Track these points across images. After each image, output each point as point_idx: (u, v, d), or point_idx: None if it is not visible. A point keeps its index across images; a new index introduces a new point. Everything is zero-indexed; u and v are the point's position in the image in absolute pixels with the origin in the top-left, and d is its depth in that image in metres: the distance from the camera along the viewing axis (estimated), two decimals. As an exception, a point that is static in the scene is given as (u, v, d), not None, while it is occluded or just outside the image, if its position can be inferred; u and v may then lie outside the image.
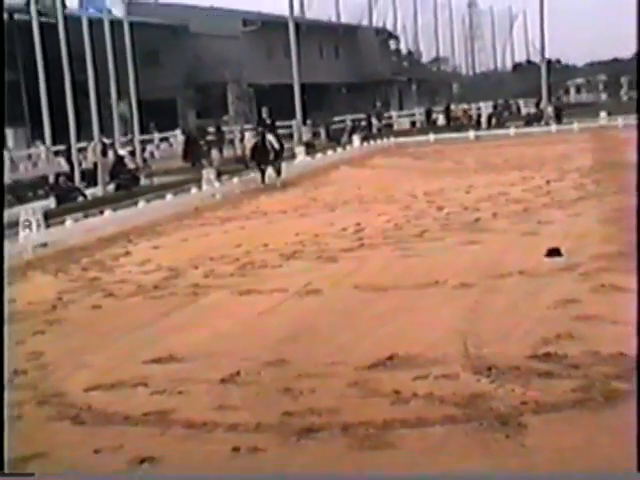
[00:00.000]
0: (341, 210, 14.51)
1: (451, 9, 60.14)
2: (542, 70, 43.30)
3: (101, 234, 13.32)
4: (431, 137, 32.55)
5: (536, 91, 43.18)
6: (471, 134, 33.23)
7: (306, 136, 35.52)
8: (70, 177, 22.70)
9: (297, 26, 37.56)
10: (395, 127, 43.35)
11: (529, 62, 60.02)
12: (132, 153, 26.90)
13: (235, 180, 19.81)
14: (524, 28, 61.86)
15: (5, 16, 31.16)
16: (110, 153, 24.29)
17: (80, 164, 24.16)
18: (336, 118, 41.92)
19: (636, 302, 5.01)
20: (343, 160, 25.38)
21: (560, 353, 5.53)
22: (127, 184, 21.44)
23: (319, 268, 9.33)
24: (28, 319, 7.81)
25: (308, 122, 37.95)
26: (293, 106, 36.27)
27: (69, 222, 13.59)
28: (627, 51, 50.84)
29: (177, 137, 34.82)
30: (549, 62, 46.25)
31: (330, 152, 27.65)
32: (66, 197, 18.89)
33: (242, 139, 28.00)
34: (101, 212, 15.01)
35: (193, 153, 28.88)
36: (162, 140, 35.77)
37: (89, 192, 20.76)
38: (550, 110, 38.44)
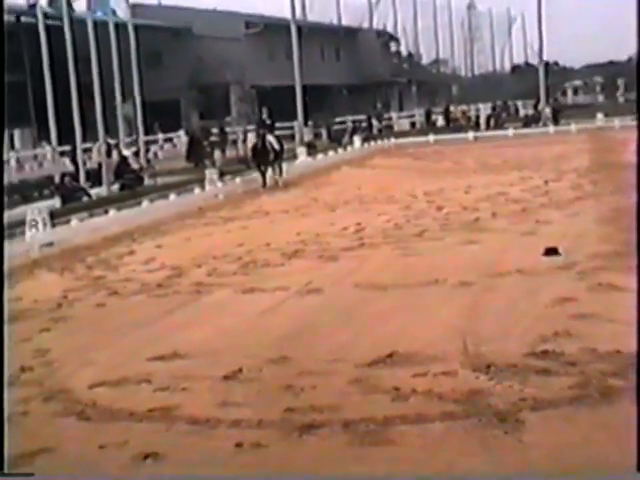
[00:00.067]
0: (342, 210, 14.53)
1: (450, 12, 59.97)
2: (540, 72, 43.25)
3: (106, 233, 13.37)
4: (431, 138, 32.48)
5: (534, 93, 43.09)
6: (470, 135, 33.16)
7: (307, 137, 35.51)
8: (75, 177, 22.73)
9: (299, 28, 37.63)
10: (395, 128, 43.25)
11: (527, 64, 59.88)
12: (136, 153, 26.98)
13: (237, 180, 19.84)
14: (522, 31, 61.81)
15: (12, 18, 31.31)
16: (114, 153, 24.40)
17: (85, 164, 24.25)
18: (337, 119, 41.87)
19: (633, 300, 5.09)
20: (344, 160, 25.36)
21: (557, 351, 5.57)
22: (131, 184, 21.49)
23: (320, 267, 9.39)
24: (34, 317, 7.88)
25: (309, 123, 37.95)
26: (295, 107, 36.32)
27: (74, 221, 13.67)
28: (623, 54, 51.48)
29: (181, 138, 34.82)
30: (547, 64, 46.17)
31: (331, 153, 27.62)
32: (71, 197, 18.93)
33: (245, 140, 28.05)
34: (106, 212, 15.08)
35: (196, 154, 28.94)
36: (166, 141, 35.72)
37: (94, 192, 20.82)
38: (548, 111, 38.33)
